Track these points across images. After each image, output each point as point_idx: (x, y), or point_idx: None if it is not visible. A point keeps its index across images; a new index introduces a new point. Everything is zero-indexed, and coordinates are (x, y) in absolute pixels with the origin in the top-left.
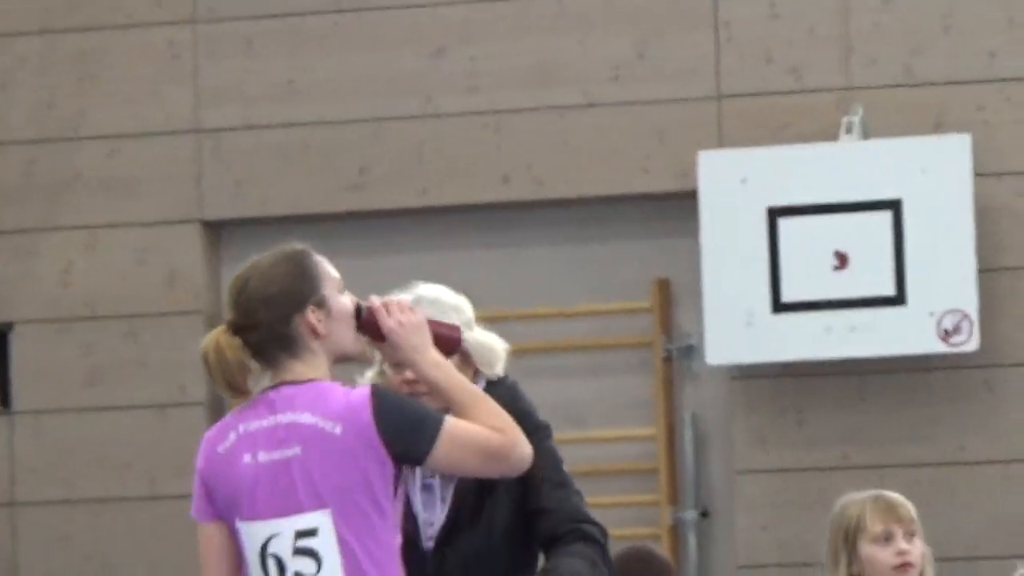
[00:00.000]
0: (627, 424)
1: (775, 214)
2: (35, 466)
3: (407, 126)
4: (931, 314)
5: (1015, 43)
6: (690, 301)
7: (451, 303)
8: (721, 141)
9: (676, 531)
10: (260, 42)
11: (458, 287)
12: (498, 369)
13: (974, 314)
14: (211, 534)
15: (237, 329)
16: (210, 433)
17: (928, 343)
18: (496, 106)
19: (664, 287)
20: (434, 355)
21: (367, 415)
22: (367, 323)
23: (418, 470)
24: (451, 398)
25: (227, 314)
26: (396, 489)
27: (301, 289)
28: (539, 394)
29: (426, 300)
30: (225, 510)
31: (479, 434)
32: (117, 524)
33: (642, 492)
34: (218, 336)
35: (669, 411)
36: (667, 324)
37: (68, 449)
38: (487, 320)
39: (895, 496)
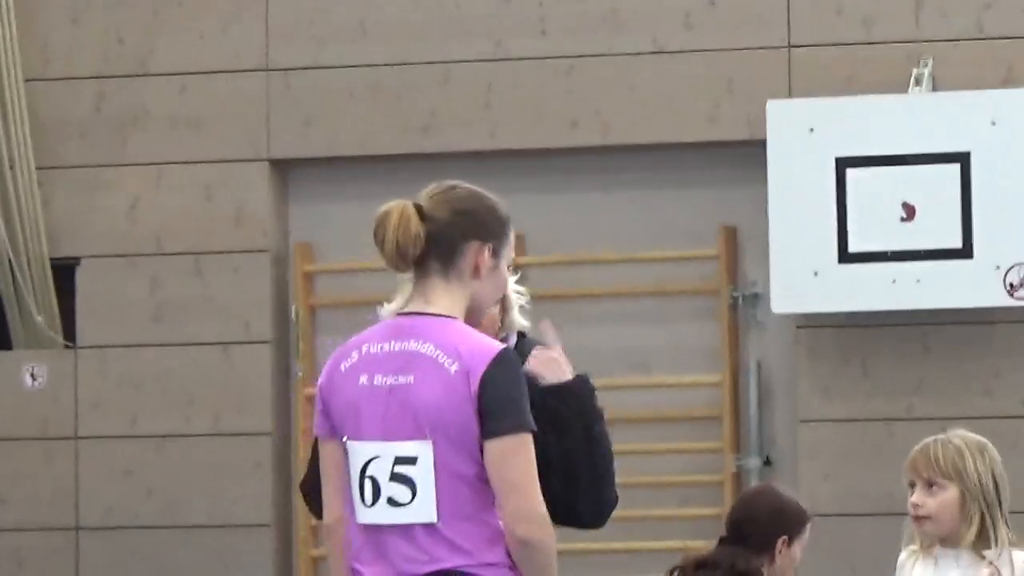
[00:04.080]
0: (692, 371)
1: (843, 164)
2: (99, 401)
3: (476, 69)
4: (997, 267)
5: None
6: (757, 249)
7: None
8: (790, 91)
9: (739, 478)
10: None
11: (524, 231)
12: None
13: None
14: (329, 450)
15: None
16: (338, 351)
17: (993, 296)
18: (566, 51)
19: (731, 235)
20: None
21: (482, 368)
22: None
23: None
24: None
25: (418, 199)
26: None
27: (492, 226)
28: (604, 339)
29: None
30: (338, 426)
31: (533, 482)
32: (180, 460)
33: (706, 439)
34: (405, 205)
35: (734, 359)
36: (733, 272)
37: (132, 384)
38: (553, 265)
39: (927, 443)
